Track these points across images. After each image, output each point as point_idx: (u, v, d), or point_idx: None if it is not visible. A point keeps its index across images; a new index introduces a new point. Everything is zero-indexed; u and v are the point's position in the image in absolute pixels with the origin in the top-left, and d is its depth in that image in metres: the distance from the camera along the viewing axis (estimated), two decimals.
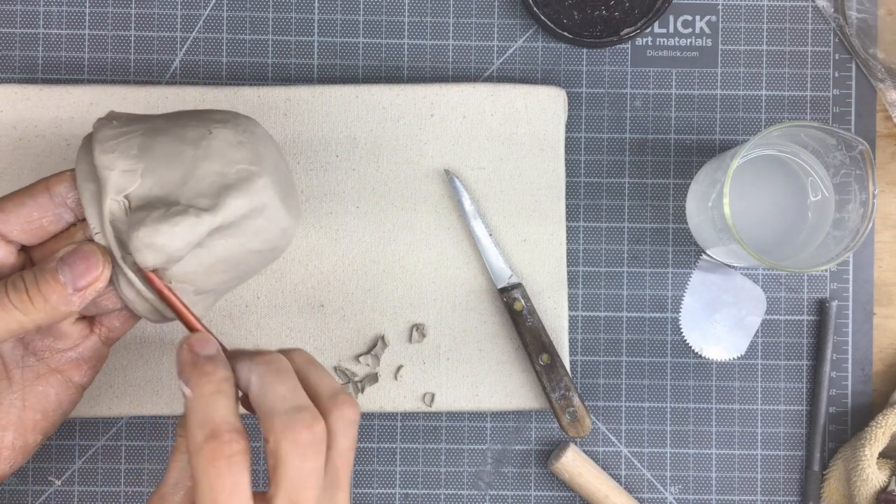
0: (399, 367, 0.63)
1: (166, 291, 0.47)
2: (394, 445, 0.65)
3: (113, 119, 0.49)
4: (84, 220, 0.48)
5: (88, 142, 0.49)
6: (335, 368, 0.63)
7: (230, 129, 0.49)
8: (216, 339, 0.46)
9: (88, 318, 0.51)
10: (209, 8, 0.65)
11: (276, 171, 0.50)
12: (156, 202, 0.46)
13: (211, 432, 0.41)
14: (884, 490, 0.62)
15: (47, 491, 0.64)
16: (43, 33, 0.65)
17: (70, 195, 0.48)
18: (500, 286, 0.63)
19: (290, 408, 0.42)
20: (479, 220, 0.63)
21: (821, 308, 0.66)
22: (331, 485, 0.43)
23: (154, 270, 0.46)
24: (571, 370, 0.65)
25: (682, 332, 0.65)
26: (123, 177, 0.46)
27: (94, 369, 0.51)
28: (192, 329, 0.47)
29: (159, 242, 0.45)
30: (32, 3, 0.65)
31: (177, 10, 0.65)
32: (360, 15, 0.66)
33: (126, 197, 0.46)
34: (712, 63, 0.66)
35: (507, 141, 0.64)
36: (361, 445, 0.65)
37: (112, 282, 0.48)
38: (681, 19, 0.66)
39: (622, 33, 0.64)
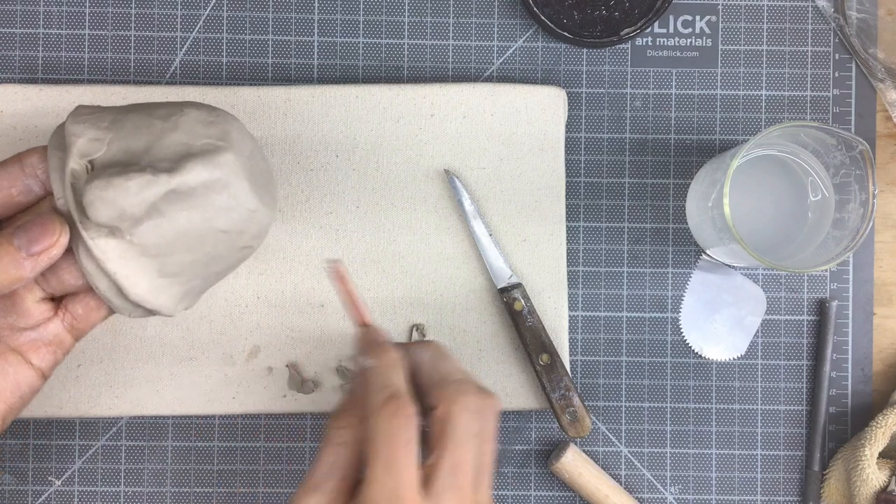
0: None
1: (343, 282, 0.49)
2: None
3: (90, 106, 0.50)
4: (52, 193, 0.49)
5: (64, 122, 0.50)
6: (335, 368, 0.63)
7: (203, 111, 0.49)
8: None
9: (55, 301, 0.51)
10: (209, 8, 0.65)
11: (248, 157, 0.50)
12: (116, 164, 0.46)
13: (391, 394, 0.45)
14: (884, 490, 0.62)
15: (47, 491, 0.64)
16: (43, 33, 0.65)
17: (40, 166, 0.49)
18: (500, 286, 0.63)
19: (460, 379, 0.47)
20: (479, 220, 0.63)
21: (821, 308, 0.66)
22: (479, 465, 0.46)
23: (115, 230, 0.46)
24: (571, 370, 0.65)
25: (682, 332, 0.65)
26: (89, 144, 0.47)
27: (53, 355, 0.51)
28: (363, 322, 0.50)
29: (110, 196, 0.45)
30: (32, 3, 0.65)
31: (177, 10, 0.65)
32: (360, 15, 0.66)
33: (90, 162, 0.47)
34: (712, 63, 0.66)
35: (507, 141, 0.64)
36: None
37: (73, 253, 0.48)
38: (681, 19, 0.66)
39: (622, 33, 0.64)
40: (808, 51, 0.66)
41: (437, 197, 0.64)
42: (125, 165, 0.46)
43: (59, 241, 0.46)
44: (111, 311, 0.51)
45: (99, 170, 0.46)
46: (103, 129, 0.47)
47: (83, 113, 0.49)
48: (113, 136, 0.47)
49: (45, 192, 0.50)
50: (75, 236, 0.47)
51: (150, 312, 0.49)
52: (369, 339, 0.50)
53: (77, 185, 0.47)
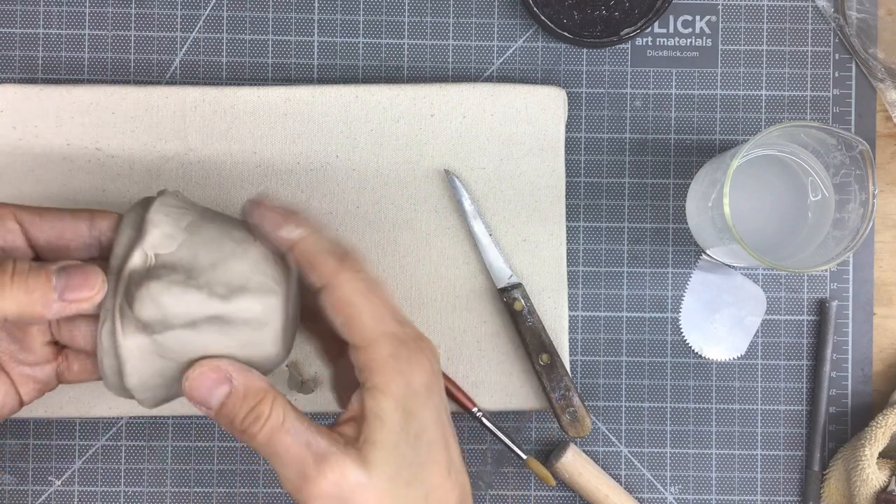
0: None
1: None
2: None
3: (178, 195, 0.50)
4: (106, 259, 0.48)
5: (147, 201, 0.49)
6: None
7: (271, 249, 0.49)
8: None
9: (57, 346, 0.51)
10: (209, 8, 0.65)
11: (291, 302, 0.49)
12: (178, 270, 0.46)
13: (344, 252, 0.46)
14: (884, 490, 0.62)
15: (47, 491, 0.64)
16: (43, 33, 0.65)
17: (107, 234, 0.48)
18: (500, 286, 0.63)
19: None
20: (479, 220, 0.63)
21: (821, 308, 0.66)
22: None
23: (147, 327, 0.46)
24: (571, 370, 0.65)
25: (682, 332, 0.65)
26: (163, 239, 0.47)
27: (39, 392, 0.51)
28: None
29: (163, 301, 0.45)
30: (32, 3, 0.65)
31: (177, 10, 0.65)
32: (360, 15, 0.66)
33: (155, 255, 0.46)
34: (712, 63, 0.66)
35: (507, 141, 0.64)
36: None
37: (96, 318, 0.48)
38: (681, 19, 0.66)
39: (622, 33, 0.64)
40: (808, 51, 0.66)
41: (437, 197, 0.64)
42: (187, 275, 0.46)
43: (94, 297, 0.46)
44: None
45: (160, 268, 0.46)
46: (181, 229, 0.47)
47: (170, 203, 0.48)
48: (186, 239, 0.47)
49: (99, 257, 0.49)
50: (107, 309, 0.47)
51: (130, 397, 0.49)
52: (285, 211, 0.47)
53: (132, 275, 0.46)
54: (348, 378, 0.50)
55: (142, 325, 0.46)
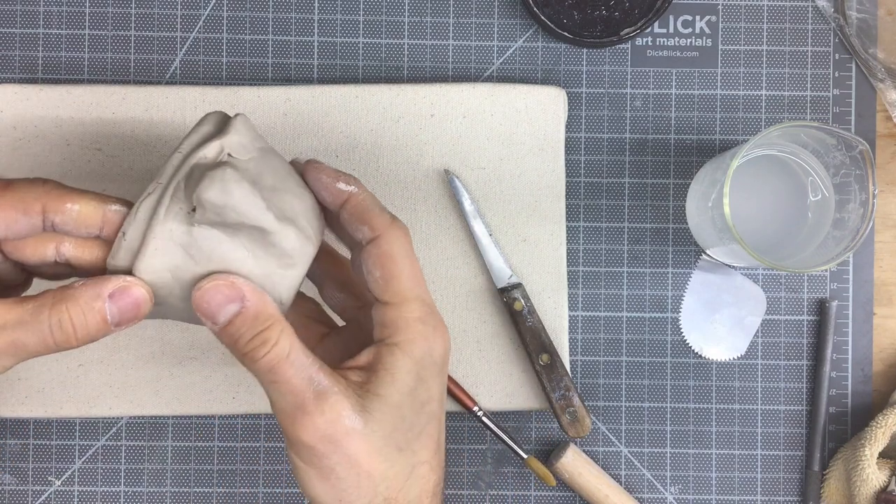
0: None
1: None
2: None
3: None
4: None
5: (225, 115, 0.49)
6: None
7: (319, 207, 0.49)
8: None
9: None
10: (209, 8, 0.65)
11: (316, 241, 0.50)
12: (246, 177, 0.46)
13: (392, 216, 0.47)
14: (884, 490, 0.62)
15: (47, 491, 0.64)
16: (43, 33, 0.65)
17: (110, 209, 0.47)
18: (500, 286, 0.63)
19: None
20: (479, 220, 0.63)
21: (821, 308, 0.66)
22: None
23: (191, 216, 0.45)
24: (571, 370, 0.65)
25: (682, 332, 0.65)
26: (241, 146, 0.46)
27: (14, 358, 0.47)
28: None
29: (232, 189, 0.44)
30: (32, 3, 0.65)
31: (177, 10, 0.65)
32: (360, 15, 0.66)
33: (228, 154, 0.46)
34: (712, 63, 0.66)
35: (507, 141, 0.64)
36: None
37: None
38: (681, 19, 0.66)
39: (622, 33, 0.64)
40: (808, 51, 0.66)
41: (437, 197, 0.64)
42: (252, 183, 0.46)
43: (143, 314, 0.45)
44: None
45: (231, 166, 0.46)
46: (256, 147, 0.47)
47: (250, 125, 0.48)
48: (257, 157, 0.47)
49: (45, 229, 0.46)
50: (160, 183, 0.45)
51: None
52: (345, 173, 0.48)
53: (204, 161, 0.45)
54: (333, 359, 0.51)
55: (189, 212, 0.44)
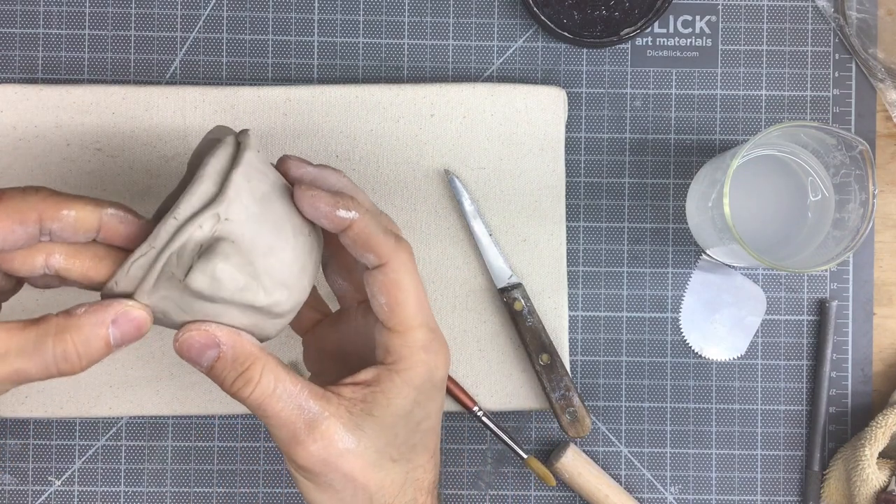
0: None
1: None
2: None
3: (259, 152, 0.48)
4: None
5: (231, 148, 0.47)
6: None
7: (318, 234, 0.49)
8: None
9: None
10: (209, 8, 0.65)
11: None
12: (241, 250, 0.45)
13: (396, 235, 0.47)
14: (884, 490, 0.62)
15: (47, 491, 0.64)
16: (43, 33, 0.65)
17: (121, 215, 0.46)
18: (500, 286, 0.63)
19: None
20: (479, 220, 0.63)
21: (821, 308, 0.66)
22: None
23: (179, 281, 0.45)
24: (571, 370, 0.65)
25: (682, 332, 0.65)
26: (240, 209, 0.45)
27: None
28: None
29: (221, 278, 0.44)
30: (32, 3, 0.65)
31: (177, 10, 0.65)
32: (360, 15, 0.66)
33: (226, 220, 0.45)
34: (712, 63, 0.66)
35: (507, 141, 0.64)
36: None
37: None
38: (681, 19, 0.66)
39: (622, 33, 0.64)
40: (808, 51, 0.66)
41: (437, 197, 0.64)
42: (246, 258, 0.45)
43: (142, 335, 0.46)
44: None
45: (226, 241, 0.45)
46: (256, 199, 0.46)
47: (255, 166, 0.46)
48: (257, 213, 0.46)
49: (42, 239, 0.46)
50: (154, 248, 0.45)
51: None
52: (342, 195, 0.47)
53: (199, 235, 0.44)
54: (328, 345, 0.52)
55: (181, 279, 0.45)
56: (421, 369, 0.47)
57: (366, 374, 0.47)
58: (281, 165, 0.49)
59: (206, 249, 0.45)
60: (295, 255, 0.47)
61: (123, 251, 0.47)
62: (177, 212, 0.45)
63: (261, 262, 0.46)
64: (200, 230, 0.44)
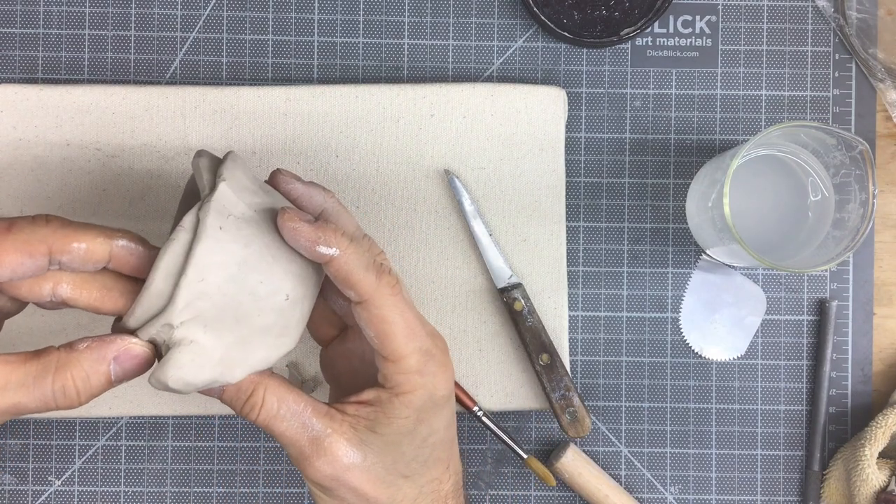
0: None
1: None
2: None
3: (243, 182, 0.47)
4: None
5: (210, 192, 0.46)
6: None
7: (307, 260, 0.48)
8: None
9: None
10: (209, 8, 0.65)
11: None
12: (210, 330, 0.45)
13: (380, 266, 0.47)
14: (884, 490, 0.62)
15: (47, 491, 0.64)
16: (43, 33, 0.65)
17: (130, 247, 0.47)
18: (500, 286, 0.63)
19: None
20: (479, 220, 0.63)
21: (821, 308, 0.66)
22: None
23: (163, 343, 0.46)
24: (571, 370, 0.65)
25: (682, 332, 0.65)
26: (217, 269, 0.45)
27: None
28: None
29: (187, 374, 0.45)
30: (32, 3, 0.65)
31: (177, 10, 0.65)
32: (360, 15, 0.66)
33: (181, 323, 0.45)
34: (712, 63, 0.66)
35: (507, 141, 0.64)
36: None
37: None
38: (681, 19, 0.66)
39: (622, 33, 0.64)
40: (808, 51, 0.66)
41: (437, 197, 0.64)
42: (217, 336, 0.45)
43: (144, 371, 0.46)
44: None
45: (197, 327, 0.45)
46: (235, 262, 0.45)
47: (237, 214, 0.46)
48: (235, 274, 0.45)
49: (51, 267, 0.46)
50: (148, 316, 0.45)
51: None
52: (324, 228, 0.46)
53: (174, 321, 0.44)
54: (340, 361, 0.53)
55: (156, 339, 0.46)
56: (420, 392, 0.48)
57: (368, 395, 0.48)
58: (272, 180, 0.49)
59: (163, 359, 0.45)
60: (286, 286, 0.46)
61: (133, 280, 0.47)
62: (132, 318, 0.45)
63: (234, 337, 0.46)
64: (157, 334, 0.45)
